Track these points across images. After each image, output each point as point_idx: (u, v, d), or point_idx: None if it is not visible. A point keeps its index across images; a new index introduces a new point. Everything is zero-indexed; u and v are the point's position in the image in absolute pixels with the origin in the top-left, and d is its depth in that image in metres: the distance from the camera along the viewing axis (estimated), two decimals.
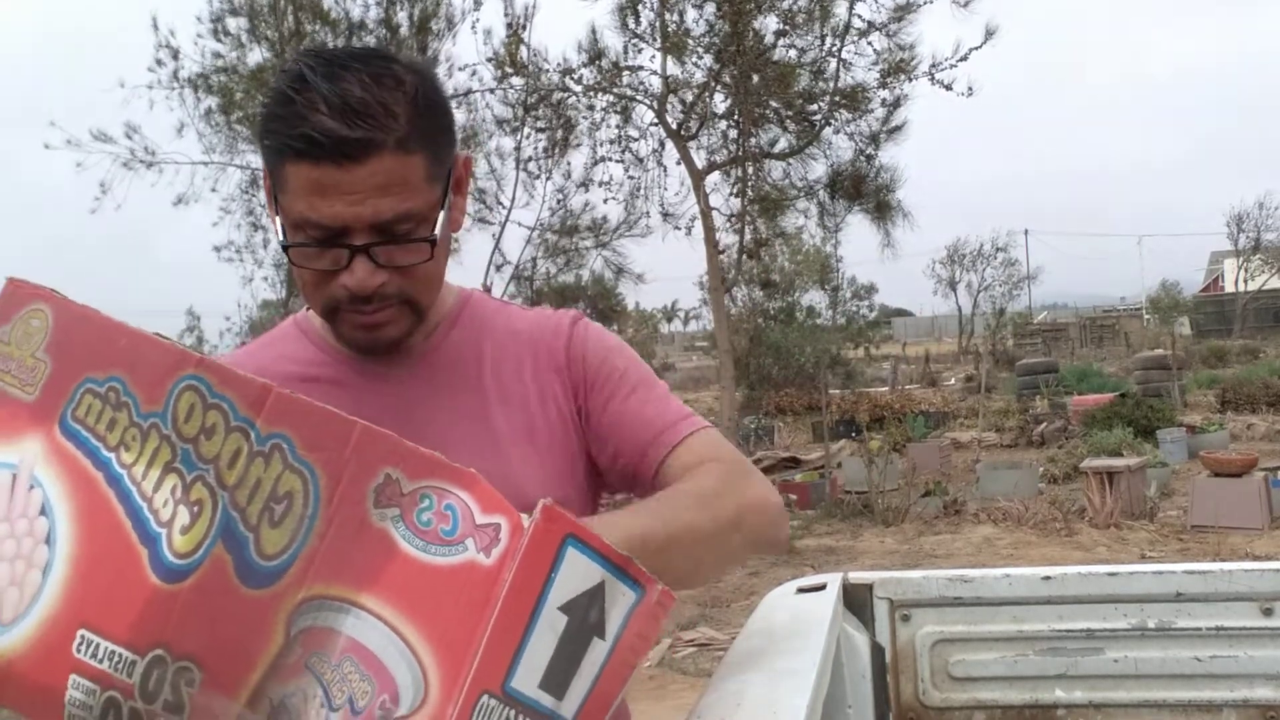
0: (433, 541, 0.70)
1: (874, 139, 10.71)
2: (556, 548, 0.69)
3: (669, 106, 10.38)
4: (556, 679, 0.69)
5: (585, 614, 0.70)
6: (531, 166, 11.28)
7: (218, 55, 11.51)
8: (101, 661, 0.74)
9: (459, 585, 0.68)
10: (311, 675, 0.69)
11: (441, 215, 1.08)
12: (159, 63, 11.43)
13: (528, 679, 0.68)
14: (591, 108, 10.93)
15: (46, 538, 0.78)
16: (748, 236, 10.75)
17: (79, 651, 0.75)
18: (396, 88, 1.02)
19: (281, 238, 1.05)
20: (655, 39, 10.25)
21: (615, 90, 10.61)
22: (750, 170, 10.72)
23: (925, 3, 9.80)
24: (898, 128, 10.64)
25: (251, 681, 0.70)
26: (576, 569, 0.69)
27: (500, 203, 11.30)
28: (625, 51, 10.36)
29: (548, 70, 10.65)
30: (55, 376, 0.83)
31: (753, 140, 10.55)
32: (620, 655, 0.73)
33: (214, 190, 12.08)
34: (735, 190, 10.74)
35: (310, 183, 1.00)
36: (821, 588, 1.38)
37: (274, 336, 1.26)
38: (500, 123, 11.12)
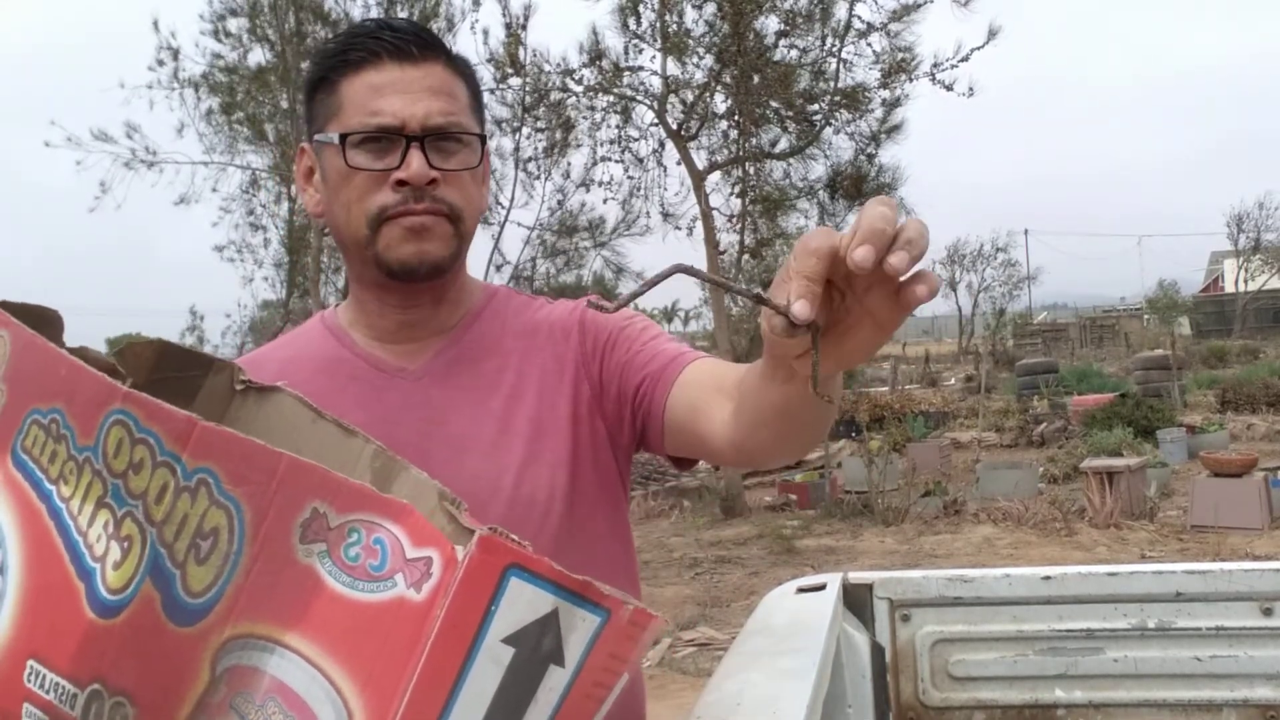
0: (360, 577, 0.68)
1: (874, 139, 10.71)
2: (496, 579, 0.66)
3: (669, 107, 10.38)
4: (506, 711, 0.67)
5: (537, 643, 0.67)
6: (531, 167, 11.29)
7: (218, 56, 11.52)
8: (49, 692, 0.74)
9: (388, 623, 0.66)
10: (236, 715, 0.68)
11: (482, 157, 1.15)
12: (159, 63, 11.44)
13: (469, 714, 0.66)
14: (592, 108, 10.94)
15: (0, 567, 0.78)
16: (748, 237, 10.75)
17: (29, 681, 0.75)
18: (437, 37, 1.15)
19: (337, 141, 1.10)
20: (655, 39, 10.25)
21: (615, 90, 10.61)
22: (751, 170, 10.73)
23: (926, 2, 9.80)
24: (896, 127, 10.65)
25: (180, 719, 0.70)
26: (520, 599, 0.66)
27: (499, 203, 11.31)
28: (625, 52, 10.36)
29: (548, 70, 10.66)
30: (9, 406, 0.82)
31: (753, 140, 10.56)
32: (589, 678, 0.70)
33: (214, 190, 12.09)
34: (736, 190, 10.74)
35: (370, 86, 1.09)
36: (821, 588, 1.38)
37: (299, 332, 1.27)
38: (499, 123, 11.12)
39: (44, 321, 0.88)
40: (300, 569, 0.69)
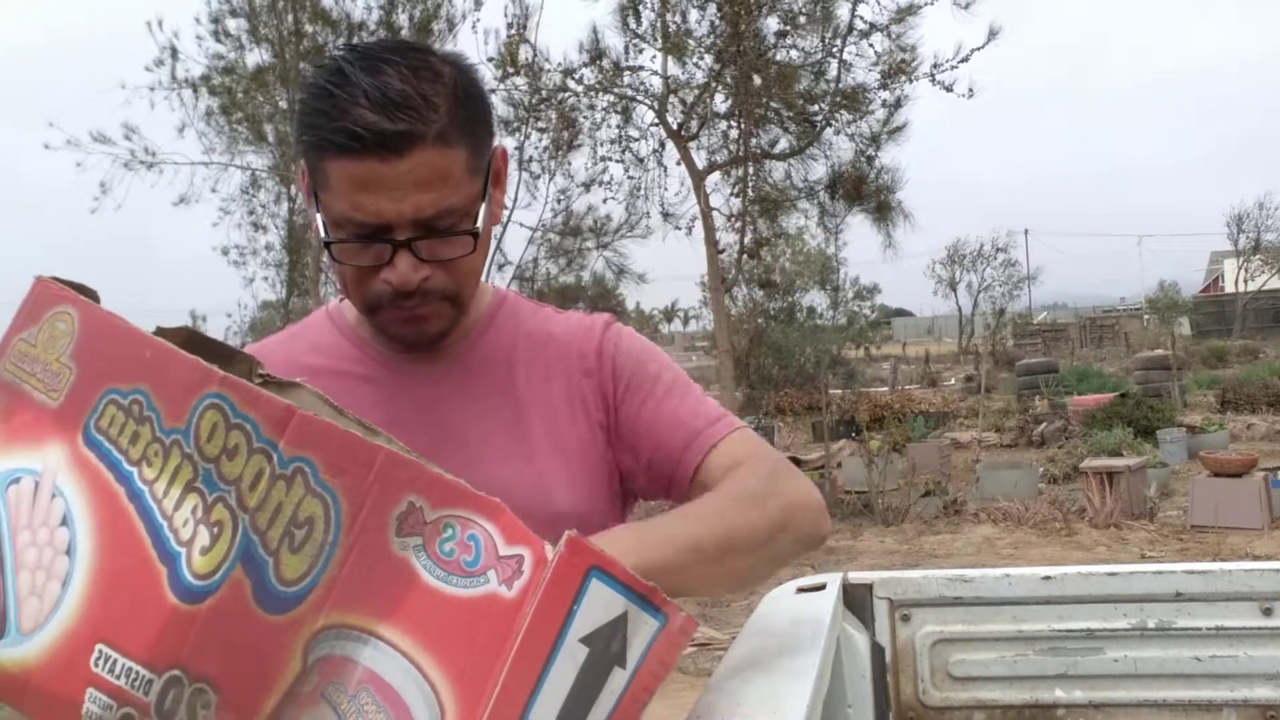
0: (454, 572, 0.69)
1: (874, 140, 10.71)
2: (580, 580, 0.68)
3: (669, 107, 10.38)
4: (574, 711, 0.68)
5: (607, 645, 0.69)
6: (533, 167, 11.29)
7: (218, 56, 11.52)
8: (119, 678, 0.73)
9: (479, 618, 0.68)
10: (327, 705, 0.69)
11: (482, 208, 1.07)
12: (158, 63, 11.44)
13: (546, 711, 0.67)
14: (592, 108, 10.94)
15: (67, 549, 0.77)
16: (748, 237, 10.75)
17: (96, 666, 0.74)
18: (435, 80, 1.02)
19: (324, 235, 1.04)
20: (656, 39, 10.25)
21: (616, 90, 10.61)
22: (751, 170, 10.72)
23: (927, 4, 9.80)
24: (898, 128, 10.65)
25: (267, 708, 0.70)
26: (599, 601, 0.68)
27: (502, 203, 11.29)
28: (626, 52, 10.37)
29: (549, 70, 10.66)
30: (80, 384, 0.82)
31: (753, 141, 10.55)
32: (640, 682, 0.72)
33: (214, 190, 12.10)
34: (736, 190, 10.74)
35: (352, 179, 1.00)
36: (821, 588, 1.38)
37: (304, 326, 1.25)
38: (502, 123, 11.12)
39: (86, 298, 0.87)
40: (395, 561, 0.70)
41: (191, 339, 0.93)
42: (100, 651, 0.74)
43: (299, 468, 0.74)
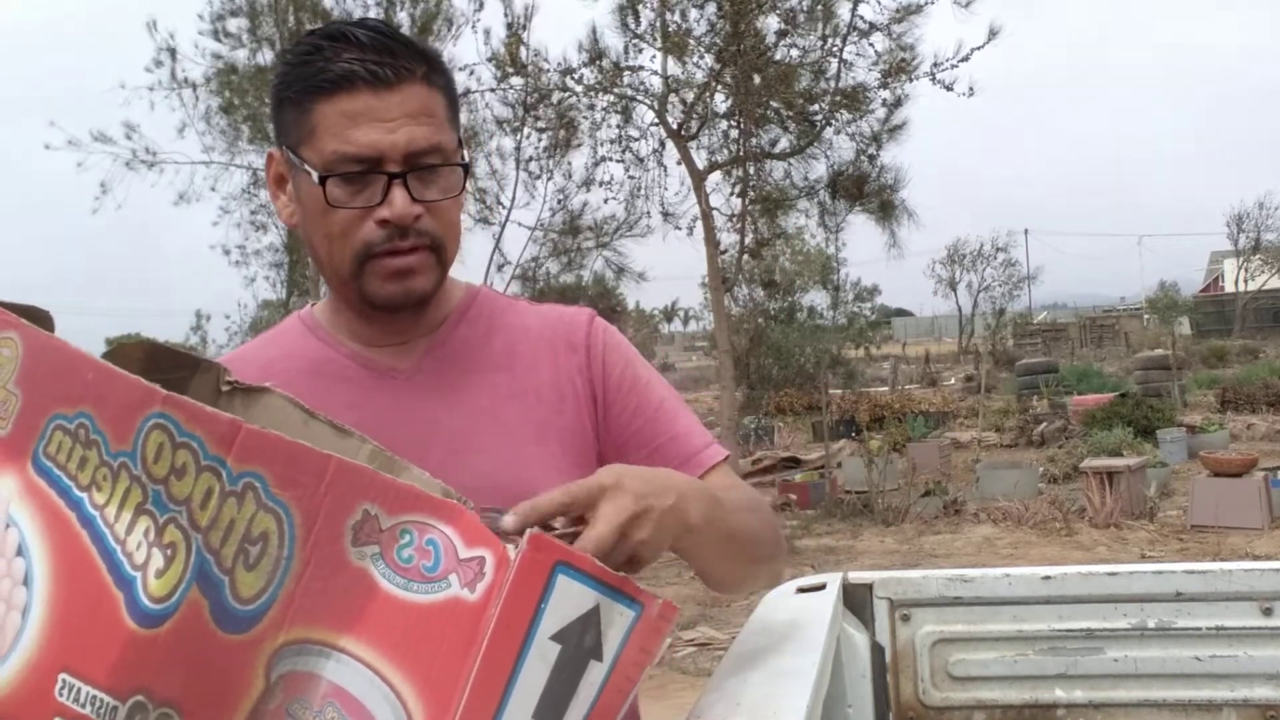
0: (414, 579, 0.68)
1: (875, 139, 10.70)
2: (546, 577, 0.67)
3: (669, 106, 10.37)
4: (551, 708, 0.67)
5: (580, 640, 0.68)
6: (532, 166, 11.28)
7: (218, 56, 11.52)
8: (84, 706, 0.72)
9: (443, 624, 0.67)
10: None
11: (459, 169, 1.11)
12: (158, 63, 11.44)
13: (519, 712, 0.66)
14: (592, 107, 10.93)
15: (24, 579, 0.76)
16: (749, 236, 10.74)
17: (61, 695, 0.73)
18: (410, 40, 1.09)
19: (315, 177, 1.05)
20: (656, 39, 10.25)
21: (616, 90, 10.61)
22: (751, 170, 10.72)
23: (928, 3, 9.80)
24: (898, 127, 10.64)
25: None
26: (568, 596, 0.67)
27: (500, 203, 11.30)
28: (626, 51, 10.35)
29: (548, 70, 10.65)
30: (26, 410, 0.79)
31: (754, 140, 10.55)
32: (622, 672, 0.71)
33: (213, 190, 12.09)
34: (736, 190, 10.73)
35: (345, 113, 1.03)
36: (821, 587, 1.38)
37: (277, 333, 1.25)
38: (500, 123, 11.12)
39: (36, 321, 0.85)
40: (354, 572, 0.69)
41: (155, 352, 0.91)
42: (64, 681, 0.73)
43: (249, 483, 0.72)
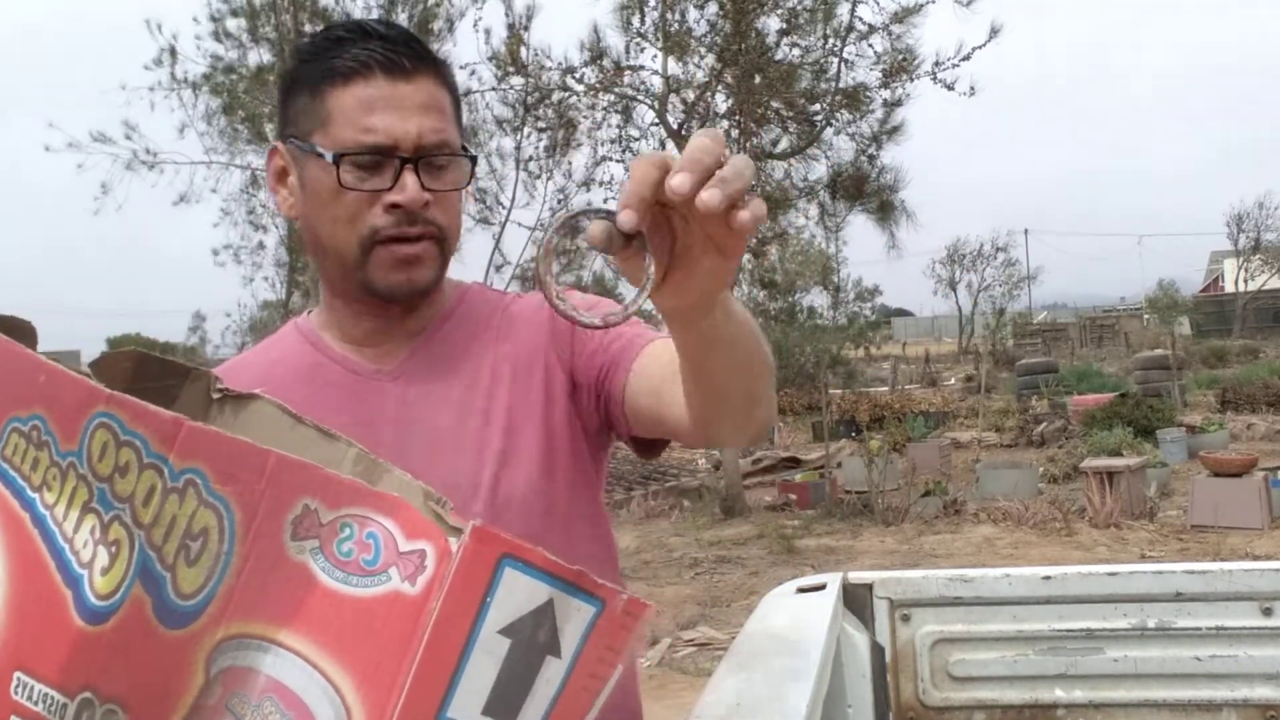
0: (354, 572, 0.68)
1: (875, 139, 10.71)
2: (491, 571, 0.65)
3: (670, 106, 10.38)
4: (504, 703, 0.66)
5: (533, 635, 0.67)
6: (532, 166, 11.29)
7: (217, 57, 11.53)
8: (37, 704, 0.73)
9: (383, 617, 0.66)
10: (232, 716, 0.68)
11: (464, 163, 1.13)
12: (157, 63, 11.44)
13: (468, 706, 0.65)
14: (593, 107, 10.94)
15: None
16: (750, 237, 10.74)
17: (16, 694, 0.74)
18: (423, 41, 1.14)
19: (329, 157, 1.07)
20: (657, 38, 10.25)
21: (616, 90, 10.61)
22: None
23: (928, 2, 9.80)
24: (897, 127, 10.65)
25: None
26: (516, 590, 0.66)
27: (500, 203, 11.30)
28: (627, 51, 10.36)
29: (549, 69, 10.66)
30: None
31: (754, 140, 10.55)
32: (585, 669, 0.70)
33: (213, 190, 12.10)
34: None
35: (360, 101, 1.06)
36: (821, 587, 1.38)
37: (274, 340, 1.27)
38: (500, 123, 11.12)
39: (18, 332, 0.85)
40: (292, 566, 0.69)
41: (142, 361, 0.92)
42: (18, 679, 0.74)
43: (190, 479, 0.72)
